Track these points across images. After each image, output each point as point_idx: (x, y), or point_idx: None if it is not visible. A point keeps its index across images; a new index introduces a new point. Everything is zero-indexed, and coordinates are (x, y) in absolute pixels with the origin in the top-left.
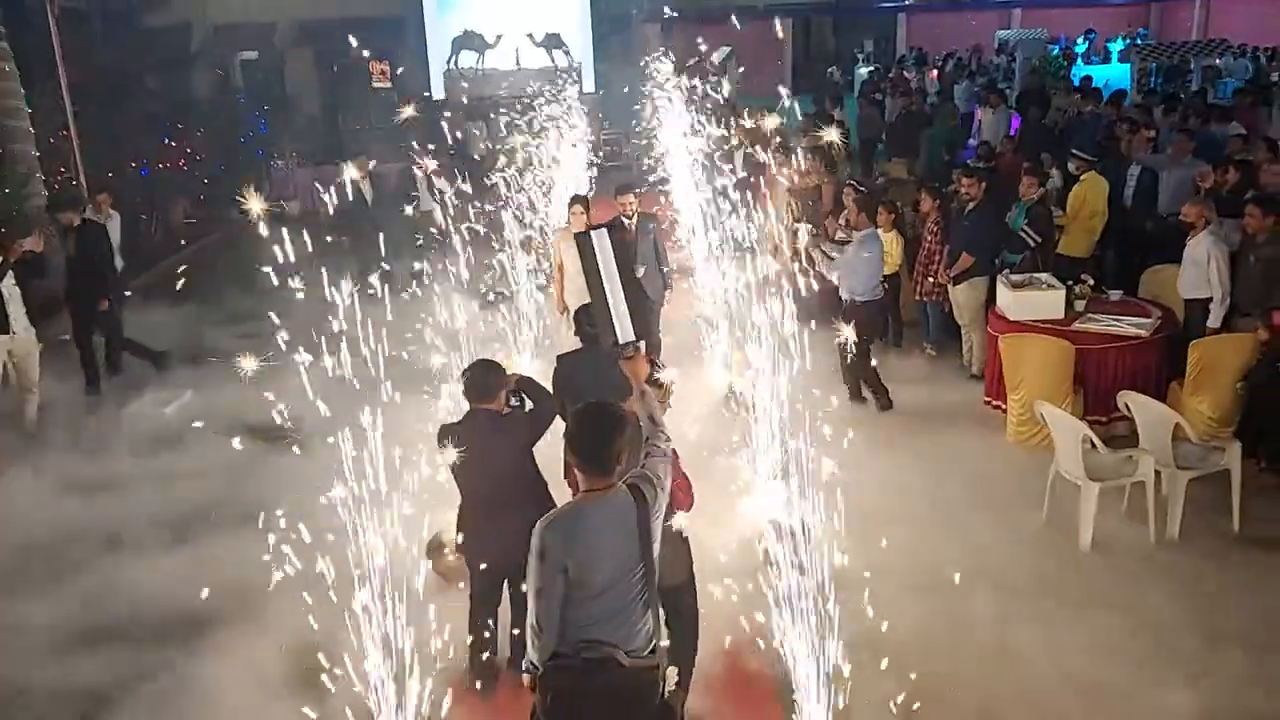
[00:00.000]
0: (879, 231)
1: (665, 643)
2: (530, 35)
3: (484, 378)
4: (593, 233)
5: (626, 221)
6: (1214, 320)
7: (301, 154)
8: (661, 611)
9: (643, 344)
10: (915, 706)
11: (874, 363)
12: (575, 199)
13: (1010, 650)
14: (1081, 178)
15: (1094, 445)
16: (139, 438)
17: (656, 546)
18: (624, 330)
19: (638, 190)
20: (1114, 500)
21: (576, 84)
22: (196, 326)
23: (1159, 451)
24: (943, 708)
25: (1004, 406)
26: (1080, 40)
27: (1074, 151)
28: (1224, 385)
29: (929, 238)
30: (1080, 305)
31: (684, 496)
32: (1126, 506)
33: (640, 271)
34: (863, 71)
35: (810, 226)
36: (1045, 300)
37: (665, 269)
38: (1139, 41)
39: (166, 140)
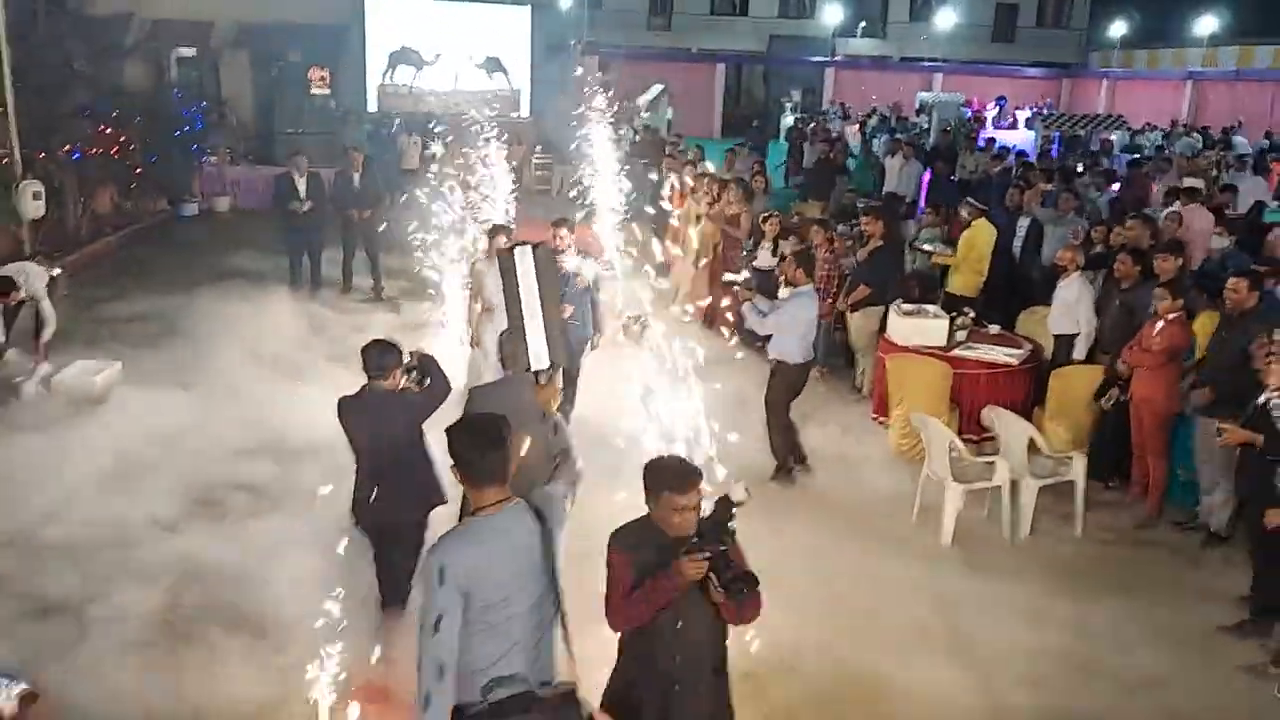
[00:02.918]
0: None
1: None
2: (470, 57)
3: (379, 357)
4: (516, 249)
5: (559, 256)
6: (1079, 353)
7: (234, 153)
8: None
9: (557, 372)
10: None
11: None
12: (496, 228)
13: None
14: (972, 223)
15: (959, 452)
16: None
17: (559, 570)
18: (538, 356)
19: (571, 223)
20: (977, 506)
21: (515, 108)
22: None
23: (1015, 461)
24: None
25: (887, 421)
26: (992, 106)
27: (968, 200)
28: (1079, 410)
29: (825, 268)
30: (961, 335)
31: (732, 615)
32: (987, 511)
33: (566, 311)
34: (789, 120)
35: (738, 279)
36: (930, 327)
37: (597, 318)
38: (1044, 112)
39: (102, 127)
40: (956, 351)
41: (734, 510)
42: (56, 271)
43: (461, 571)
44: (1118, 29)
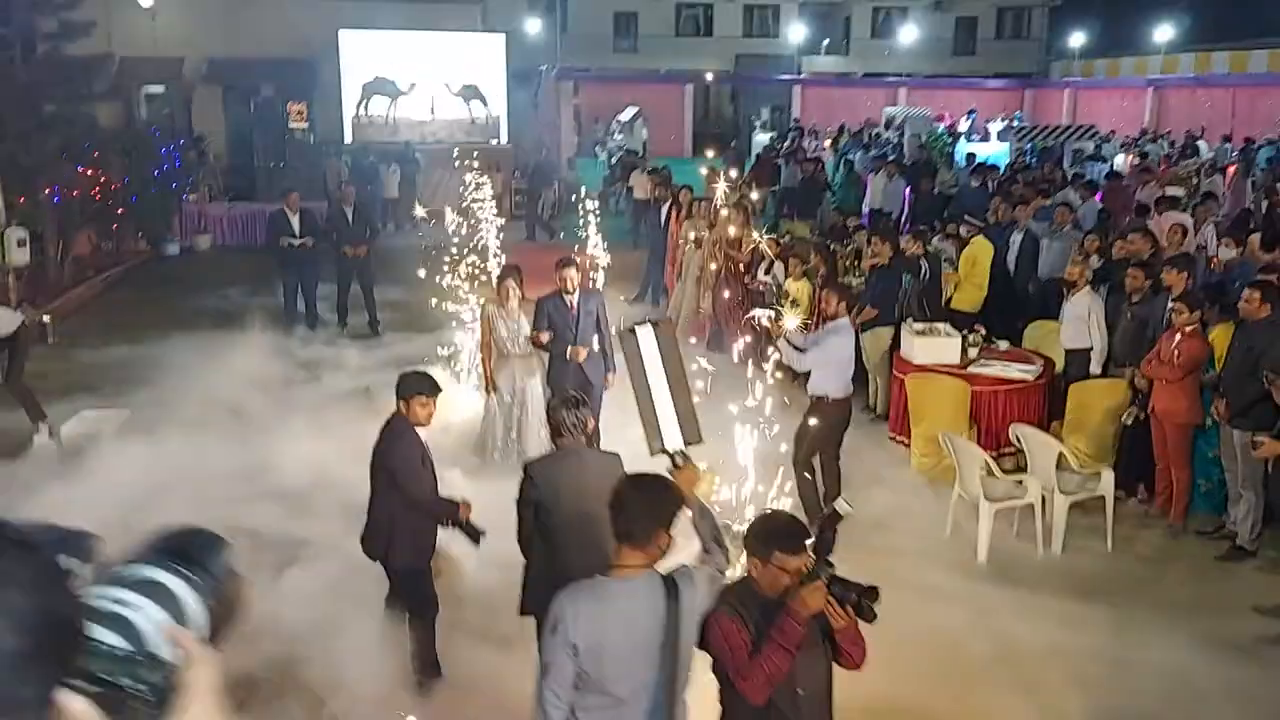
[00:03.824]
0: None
1: None
2: (447, 85)
3: (418, 384)
4: (637, 329)
5: (567, 297)
6: (1095, 367)
7: (214, 190)
8: None
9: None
10: None
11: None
12: (509, 270)
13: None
14: (971, 240)
15: (990, 471)
16: None
17: (685, 658)
18: (672, 436)
19: (578, 262)
20: (1005, 522)
21: (494, 135)
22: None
23: (1044, 478)
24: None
25: (907, 440)
26: (964, 119)
27: (966, 218)
28: (1098, 424)
29: (822, 289)
30: (974, 352)
31: (856, 651)
32: (1018, 527)
33: (582, 355)
34: (761, 138)
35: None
36: (945, 346)
37: (608, 353)
38: (1016, 124)
39: (83, 169)
40: (972, 368)
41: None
42: (47, 319)
43: (575, 626)
44: (1077, 39)
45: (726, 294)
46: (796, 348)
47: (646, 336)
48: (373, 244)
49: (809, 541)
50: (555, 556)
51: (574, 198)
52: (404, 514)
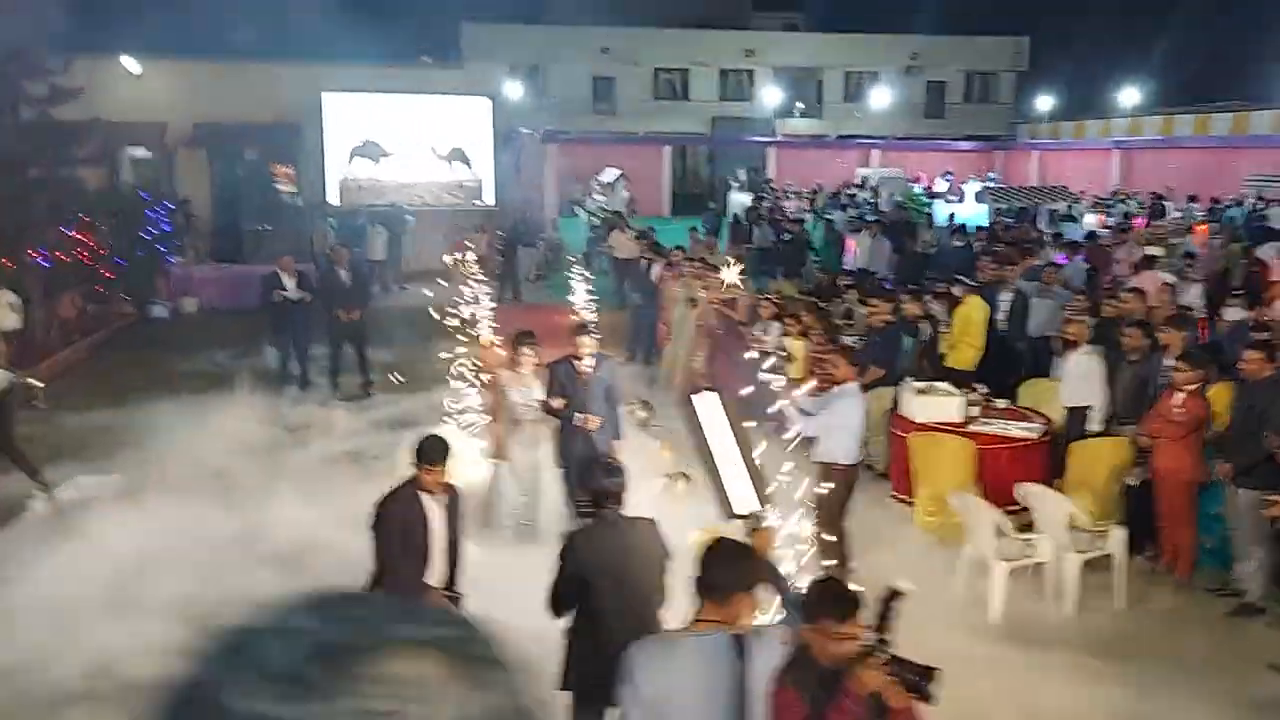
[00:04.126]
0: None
1: None
2: (433, 148)
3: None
4: (696, 396)
5: (579, 364)
6: (1096, 425)
7: (200, 253)
8: None
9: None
10: None
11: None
12: (524, 336)
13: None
14: (965, 300)
15: (1002, 530)
16: None
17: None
18: (742, 501)
19: (591, 330)
20: (1014, 580)
21: (478, 197)
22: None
23: (1057, 536)
24: None
25: (909, 499)
26: (940, 180)
27: (958, 278)
28: (1102, 482)
29: (816, 347)
30: (974, 411)
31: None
32: (1027, 586)
33: (594, 424)
34: (739, 198)
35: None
36: (945, 405)
37: (618, 421)
38: (991, 185)
39: (68, 231)
40: (974, 427)
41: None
42: (40, 384)
43: (644, 678)
44: (1044, 102)
45: (723, 353)
46: (805, 412)
47: (707, 402)
48: (367, 306)
49: (863, 612)
50: (597, 627)
51: (559, 258)
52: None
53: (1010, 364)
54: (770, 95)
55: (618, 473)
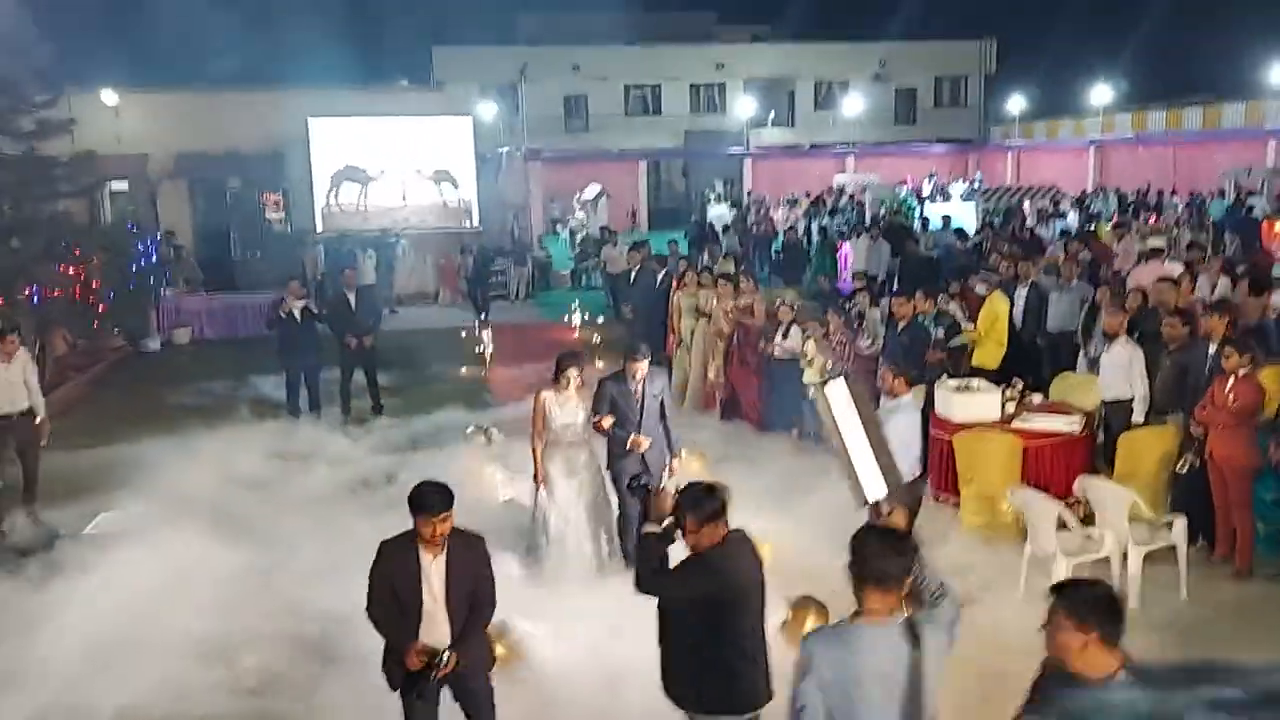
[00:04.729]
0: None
1: None
2: (418, 170)
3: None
4: (827, 385)
5: (633, 384)
6: (1138, 417)
7: (190, 283)
8: None
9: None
10: None
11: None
12: (571, 358)
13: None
14: (990, 297)
15: (1064, 524)
16: None
17: (929, 702)
18: (872, 488)
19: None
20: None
21: (465, 219)
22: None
23: (1119, 530)
24: None
25: (952, 499)
26: (926, 182)
27: (985, 274)
28: (1151, 473)
29: (838, 352)
30: (1011, 407)
31: None
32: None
33: (645, 445)
34: (718, 210)
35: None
36: (983, 402)
37: (670, 437)
38: (978, 185)
39: (62, 267)
40: (1017, 424)
41: None
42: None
43: (825, 669)
44: (1015, 104)
45: (741, 360)
46: None
47: (838, 391)
48: (378, 331)
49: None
50: (732, 643)
51: (547, 276)
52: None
53: (1028, 361)
54: (742, 107)
55: (716, 491)
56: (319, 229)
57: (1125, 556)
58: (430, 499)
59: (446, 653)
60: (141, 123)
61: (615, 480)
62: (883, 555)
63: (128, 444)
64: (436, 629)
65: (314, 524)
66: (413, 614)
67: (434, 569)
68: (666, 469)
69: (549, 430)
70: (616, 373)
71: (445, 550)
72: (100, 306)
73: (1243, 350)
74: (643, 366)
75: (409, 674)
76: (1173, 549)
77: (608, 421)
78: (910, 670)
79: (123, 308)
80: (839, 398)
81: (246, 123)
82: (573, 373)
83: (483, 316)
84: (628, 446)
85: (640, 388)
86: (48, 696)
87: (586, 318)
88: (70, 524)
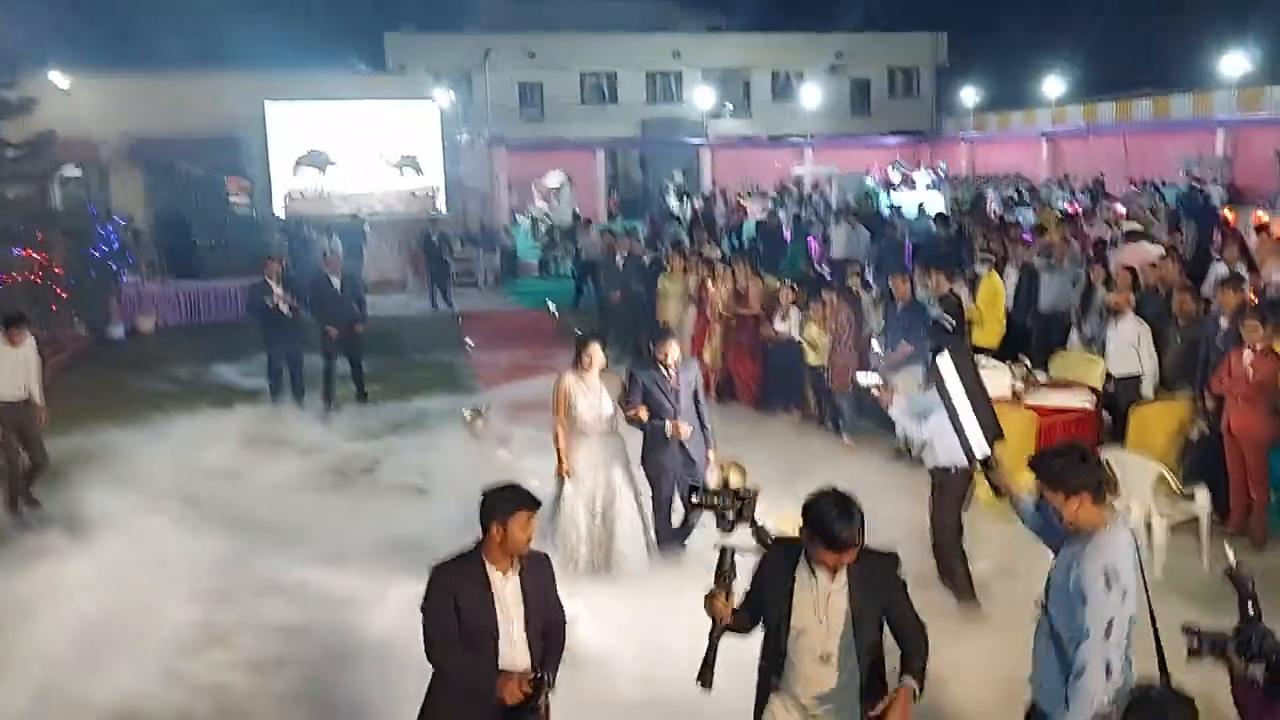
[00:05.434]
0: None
1: None
2: (382, 155)
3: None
4: (939, 358)
5: (667, 370)
6: (1147, 391)
7: (152, 270)
8: None
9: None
10: None
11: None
12: (591, 337)
13: None
14: (987, 276)
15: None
16: None
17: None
18: (979, 444)
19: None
20: None
21: (432, 206)
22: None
23: (1146, 501)
24: None
25: None
26: (892, 171)
27: (980, 253)
28: (1163, 446)
29: (843, 333)
30: (1019, 385)
31: None
32: None
33: (685, 432)
34: (674, 202)
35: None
36: (995, 379)
37: (707, 426)
38: (943, 174)
39: (24, 252)
40: (1028, 400)
41: None
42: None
43: (1120, 574)
44: (968, 95)
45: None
46: (916, 415)
47: (946, 363)
48: (364, 318)
49: None
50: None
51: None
52: (436, 675)
53: (1020, 341)
54: (700, 96)
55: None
56: (280, 215)
57: (1149, 527)
58: (520, 494)
59: (544, 673)
60: (93, 106)
61: (649, 474)
62: (1074, 464)
63: (98, 433)
64: (516, 661)
65: (298, 511)
66: (489, 645)
67: (509, 590)
68: (707, 459)
69: (574, 420)
70: (648, 361)
71: (519, 567)
72: (62, 293)
73: (1265, 322)
74: (674, 348)
75: (506, 711)
76: (1189, 521)
77: (644, 412)
78: (1138, 566)
79: (85, 295)
80: (947, 369)
81: (201, 106)
82: (594, 350)
83: (444, 304)
84: (668, 434)
85: (674, 374)
86: (39, 687)
87: (554, 308)
88: (42, 512)
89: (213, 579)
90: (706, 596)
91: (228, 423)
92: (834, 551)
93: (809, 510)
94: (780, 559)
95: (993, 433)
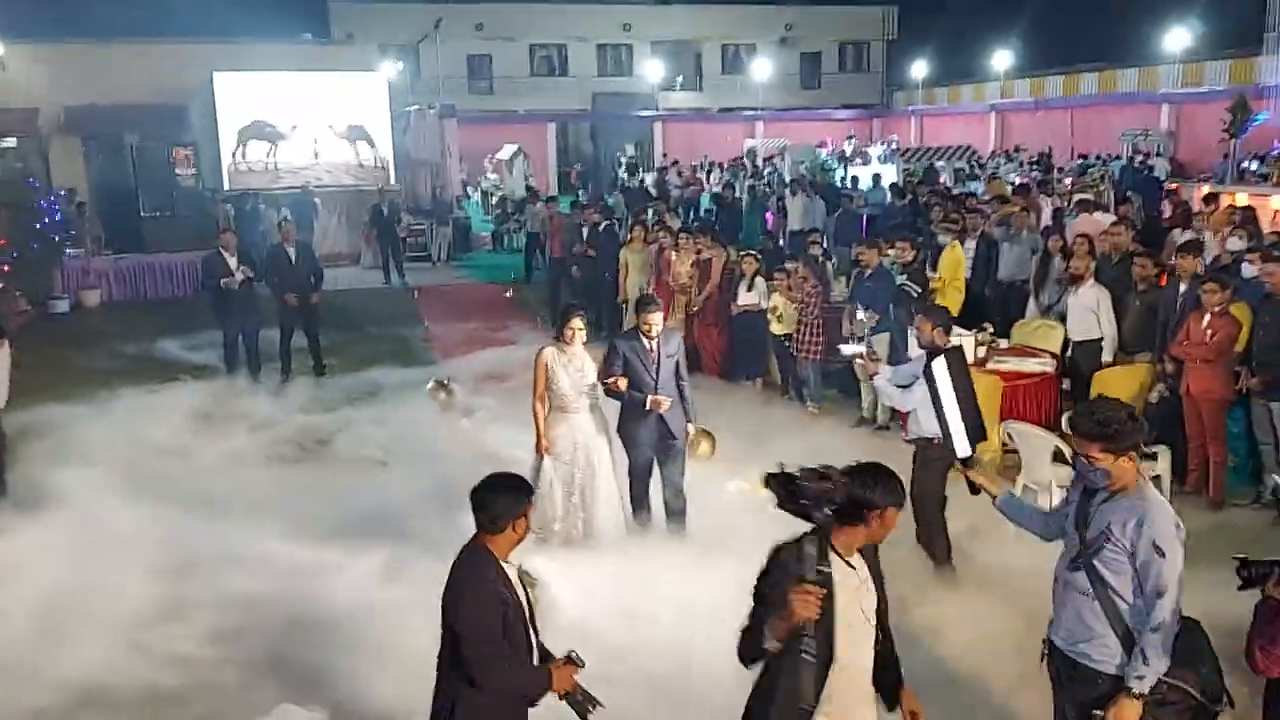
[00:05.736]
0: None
1: None
2: (332, 126)
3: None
4: (934, 361)
5: (648, 341)
6: (1107, 356)
7: (97, 244)
8: None
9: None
10: None
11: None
12: (573, 309)
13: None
14: (949, 245)
15: (1060, 457)
16: None
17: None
18: (962, 445)
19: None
20: None
21: (383, 179)
22: None
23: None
24: None
25: None
26: (846, 144)
27: (942, 223)
28: None
29: (810, 301)
30: (982, 351)
31: None
32: None
33: (665, 405)
34: (624, 175)
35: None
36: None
37: (688, 399)
38: (895, 147)
39: None
40: (991, 365)
41: None
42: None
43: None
44: (918, 69)
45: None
46: (900, 385)
47: (940, 367)
48: (320, 288)
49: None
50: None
51: (469, 237)
52: (469, 694)
53: (979, 310)
54: (650, 69)
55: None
56: (226, 186)
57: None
58: (523, 482)
59: (573, 651)
60: (28, 75)
61: (625, 442)
62: (1119, 420)
63: (43, 409)
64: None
65: (254, 485)
66: (525, 641)
67: (518, 583)
68: (687, 433)
69: (554, 394)
70: (629, 330)
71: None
72: (3, 267)
73: (1224, 286)
74: (657, 319)
75: (568, 698)
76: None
77: (623, 382)
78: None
79: (27, 269)
80: (941, 371)
81: (143, 76)
82: (577, 323)
83: (397, 277)
84: (647, 406)
85: (655, 346)
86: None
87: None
88: None
89: (170, 553)
90: (798, 592)
91: (177, 397)
92: (894, 508)
93: (852, 493)
94: (794, 561)
95: (976, 434)
